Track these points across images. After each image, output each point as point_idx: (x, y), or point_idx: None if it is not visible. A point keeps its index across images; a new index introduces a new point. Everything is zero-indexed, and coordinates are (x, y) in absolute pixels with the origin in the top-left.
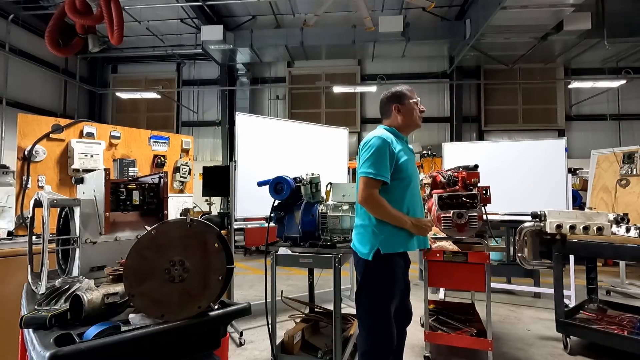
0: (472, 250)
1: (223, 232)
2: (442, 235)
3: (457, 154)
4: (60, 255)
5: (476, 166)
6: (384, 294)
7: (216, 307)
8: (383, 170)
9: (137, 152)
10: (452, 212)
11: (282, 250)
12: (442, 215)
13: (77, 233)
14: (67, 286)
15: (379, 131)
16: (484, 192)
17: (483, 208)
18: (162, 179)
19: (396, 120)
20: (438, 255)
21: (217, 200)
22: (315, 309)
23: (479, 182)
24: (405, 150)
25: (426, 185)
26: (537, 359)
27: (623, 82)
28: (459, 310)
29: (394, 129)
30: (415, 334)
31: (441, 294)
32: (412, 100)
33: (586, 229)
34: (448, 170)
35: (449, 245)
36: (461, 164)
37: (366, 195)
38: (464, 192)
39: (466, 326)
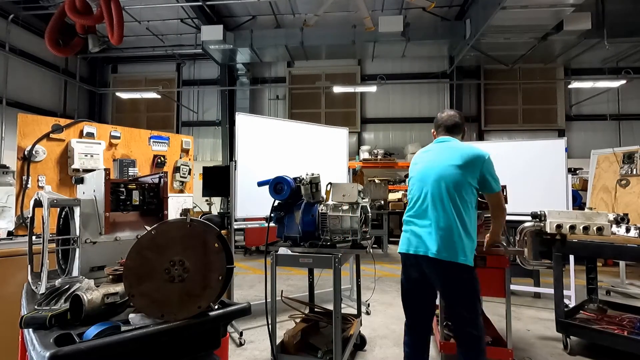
0: (488, 254)
1: (223, 232)
2: None
3: None
4: (60, 255)
5: None
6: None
7: (216, 307)
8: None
9: (137, 152)
10: None
11: (282, 250)
12: None
13: (77, 233)
14: (67, 286)
15: (481, 149)
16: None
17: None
18: (162, 179)
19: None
20: None
21: (217, 200)
22: (315, 309)
23: None
24: None
25: None
26: (537, 359)
27: (623, 82)
28: None
29: None
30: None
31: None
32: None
33: (586, 229)
34: None
35: None
36: None
37: (502, 206)
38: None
39: None
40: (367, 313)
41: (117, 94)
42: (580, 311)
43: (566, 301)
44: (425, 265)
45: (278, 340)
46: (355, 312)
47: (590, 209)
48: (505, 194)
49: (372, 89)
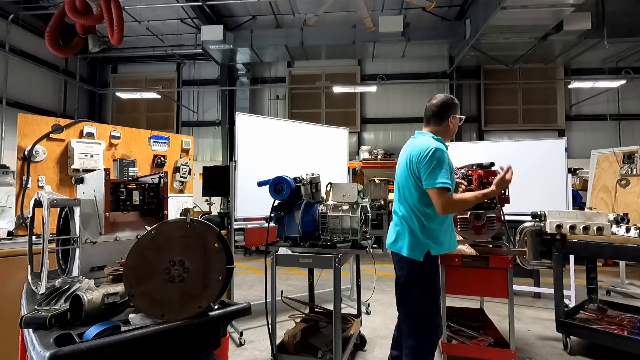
0: (491, 254)
1: (223, 232)
2: (459, 237)
3: (457, 154)
4: (60, 255)
5: (492, 164)
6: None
7: (216, 307)
8: (447, 176)
9: (137, 152)
10: (469, 213)
11: (282, 250)
12: (459, 216)
13: (77, 233)
14: (67, 286)
15: (432, 141)
16: (502, 191)
17: (501, 209)
18: (162, 179)
19: (447, 129)
20: (456, 260)
21: (217, 200)
22: (315, 309)
23: None
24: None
25: None
26: (537, 359)
27: (623, 82)
28: (468, 317)
29: (441, 139)
30: None
31: None
32: (457, 115)
33: (586, 229)
34: (461, 168)
35: (466, 249)
36: (461, 164)
37: (444, 204)
38: None
39: (480, 334)
40: (367, 313)
41: (117, 94)
42: (580, 311)
43: (566, 301)
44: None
45: (278, 340)
46: (355, 312)
47: (590, 209)
48: (507, 194)
49: (372, 89)
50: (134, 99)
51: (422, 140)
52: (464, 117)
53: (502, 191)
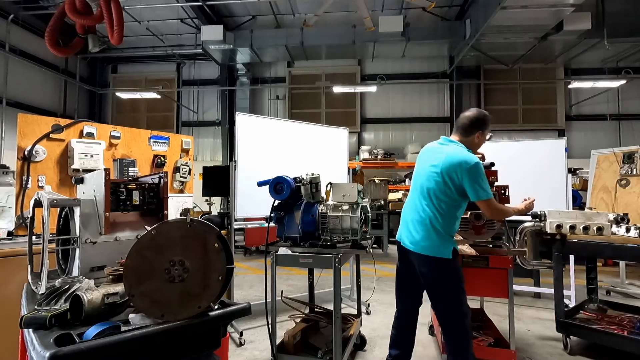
0: (491, 254)
1: (223, 232)
2: (459, 237)
3: None
4: (60, 255)
5: (492, 164)
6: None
7: (216, 307)
8: (489, 188)
9: (137, 152)
10: (469, 213)
11: (282, 250)
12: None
13: (77, 233)
14: (67, 286)
15: (469, 153)
16: (502, 191)
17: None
18: (162, 179)
19: (472, 143)
20: None
21: (217, 200)
22: (315, 309)
23: (496, 180)
24: None
25: None
26: (537, 359)
27: (623, 82)
28: None
29: (470, 150)
30: (426, 344)
31: None
32: (487, 133)
33: (586, 229)
34: None
35: (467, 249)
36: None
37: (495, 212)
38: None
39: (480, 334)
40: (367, 313)
41: (117, 94)
42: (580, 311)
43: (566, 301)
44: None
45: (278, 340)
46: (355, 312)
47: (590, 209)
48: (507, 194)
49: (372, 89)
50: (134, 99)
51: (458, 151)
52: (492, 135)
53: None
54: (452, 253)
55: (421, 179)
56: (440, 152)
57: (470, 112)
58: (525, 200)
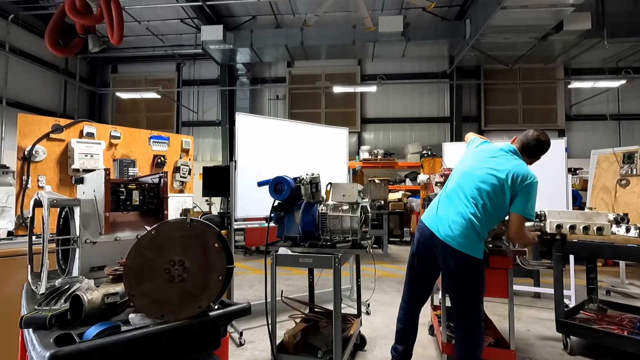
0: (491, 254)
1: (223, 232)
2: None
3: (457, 154)
4: (60, 255)
5: None
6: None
7: (216, 307)
8: (534, 210)
9: (137, 152)
10: None
11: (282, 250)
12: None
13: (77, 233)
14: (67, 286)
15: (532, 172)
16: None
17: None
18: (162, 179)
19: (529, 159)
20: None
21: (217, 200)
22: (315, 309)
23: None
24: None
25: (438, 184)
26: (537, 359)
27: (623, 82)
28: None
29: None
30: (426, 344)
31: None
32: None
33: (586, 229)
34: None
35: None
36: None
37: (522, 232)
38: None
39: None
40: (367, 313)
41: (117, 94)
42: (580, 311)
43: (566, 301)
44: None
45: (278, 340)
46: (355, 312)
47: (590, 209)
48: None
49: (372, 89)
50: (134, 99)
51: (526, 167)
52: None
53: None
54: (484, 254)
55: (476, 178)
56: (506, 160)
57: (542, 137)
58: (533, 234)
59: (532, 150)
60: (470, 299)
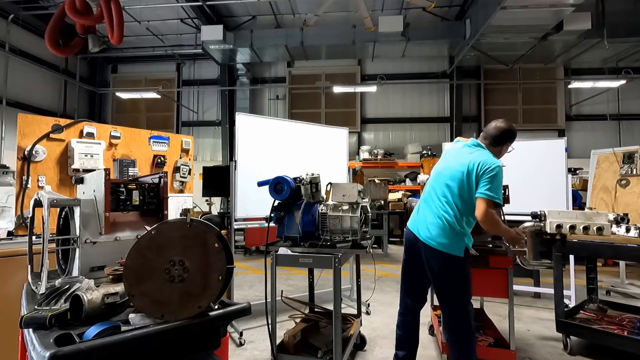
0: (491, 254)
1: (223, 232)
2: None
3: None
4: (60, 255)
5: None
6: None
7: (216, 307)
8: (501, 194)
9: (137, 152)
10: None
11: (282, 250)
12: None
13: (77, 233)
14: (67, 286)
15: (493, 158)
16: (502, 191)
17: (501, 209)
18: (162, 179)
19: (498, 153)
20: None
21: (217, 200)
22: (315, 309)
23: None
24: None
25: None
26: (537, 359)
27: (623, 82)
28: None
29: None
30: (425, 344)
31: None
32: (509, 146)
33: (586, 229)
34: None
35: None
36: None
37: (489, 215)
38: None
39: (480, 334)
40: (367, 313)
41: (117, 94)
42: (580, 311)
43: (566, 301)
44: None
45: (278, 340)
46: (355, 312)
47: (590, 208)
48: (507, 194)
49: (372, 89)
50: (134, 99)
51: (486, 155)
52: (514, 149)
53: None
54: (465, 252)
55: (444, 177)
56: (468, 153)
57: (501, 124)
58: (518, 229)
59: (496, 140)
60: (456, 298)
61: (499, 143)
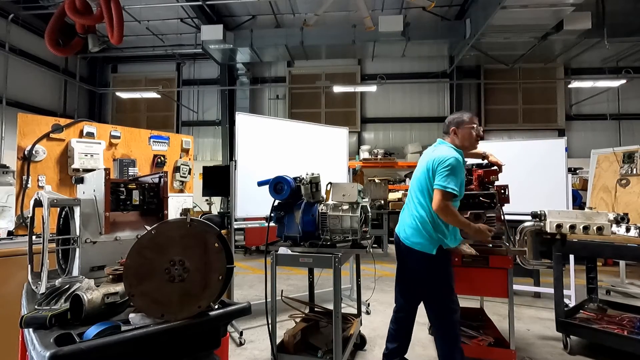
0: (491, 254)
1: (223, 232)
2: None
3: None
4: (60, 255)
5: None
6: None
7: (216, 307)
8: (456, 184)
9: (137, 151)
10: (469, 212)
11: (282, 250)
12: None
13: (77, 233)
14: (67, 286)
15: (451, 151)
16: (502, 191)
17: (501, 208)
18: (162, 179)
19: (454, 141)
20: (456, 259)
21: (217, 200)
22: (315, 309)
23: (497, 180)
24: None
25: None
26: (537, 359)
27: (623, 81)
28: (468, 316)
29: (460, 150)
30: (426, 344)
31: None
32: (468, 125)
33: (586, 228)
34: None
35: (466, 249)
36: None
37: (443, 206)
38: (482, 192)
39: (480, 334)
40: (367, 313)
41: (117, 93)
42: (580, 311)
43: (566, 301)
44: None
45: (278, 340)
46: (355, 311)
47: (590, 208)
48: (507, 193)
49: (372, 88)
50: (134, 99)
51: (443, 149)
52: (473, 125)
53: (503, 191)
54: (438, 250)
55: (415, 180)
56: (432, 152)
57: (453, 113)
58: (486, 226)
59: (445, 130)
60: (433, 296)
61: (447, 132)
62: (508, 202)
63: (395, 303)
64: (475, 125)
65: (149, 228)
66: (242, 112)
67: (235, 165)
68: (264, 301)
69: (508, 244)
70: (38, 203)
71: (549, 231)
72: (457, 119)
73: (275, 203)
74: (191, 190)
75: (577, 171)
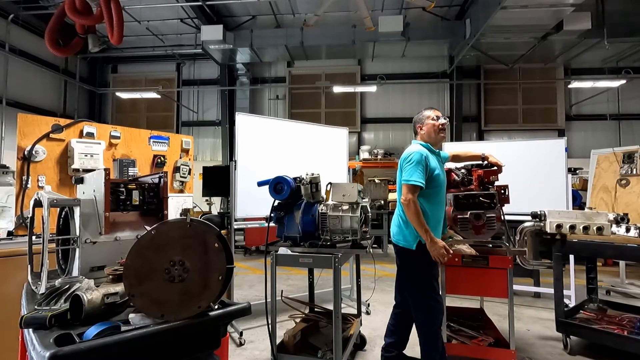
0: (491, 254)
1: (223, 232)
2: (458, 237)
3: None
4: (60, 255)
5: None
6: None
7: (216, 307)
8: (419, 177)
9: (137, 152)
10: (469, 212)
11: (282, 250)
12: (459, 216)
13: (77, 233)
14: (67, 286)
15: (416, 147)
16: (502, 191)
17: (501, 209)
18: (162, 179)
19: (421, 137)
20: (456, 259)
21: (217, 200)
22: (315, 309)
23: (497, 180)
24: (437, 163)
25: None
26: (537, 359)
27: (623, 82)
28: (468, 316)
29: (427, 145)
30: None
31: None
32: (429, 120)
33: (586, 228)
34: (461, 168)
35: (466, 249)
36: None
37: (407, 200)
38: (482, 192)
39: (480, 334)
40: (367, 313)
41: (117, 94)
42: (580, 311)
43: (566, 301)
44: None
45: (278, 340)
46: (355, 312)
47: (590, 208)
48: (507, 193)
49: (372, 88)
50: (134, 99)
51: (411, 147)
52: (433, 119)
53: (503, 191)
54: (417, 246)
55: (397, 179)
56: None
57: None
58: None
59: (416, 126)
60: (415, 291)
61: (415, 131)
62: (508, 202)
63: (394, 300)
64: (435, 119)
65: (148, 228)
66: (242, 112)
67: (235, 165)
68: (264, 301)
69: (508, 244)
70: (38, 203)
71: (549, 231)
72: (420, 116)
73: (275, 203)
74: (191, 190)
75: (577, 171)
